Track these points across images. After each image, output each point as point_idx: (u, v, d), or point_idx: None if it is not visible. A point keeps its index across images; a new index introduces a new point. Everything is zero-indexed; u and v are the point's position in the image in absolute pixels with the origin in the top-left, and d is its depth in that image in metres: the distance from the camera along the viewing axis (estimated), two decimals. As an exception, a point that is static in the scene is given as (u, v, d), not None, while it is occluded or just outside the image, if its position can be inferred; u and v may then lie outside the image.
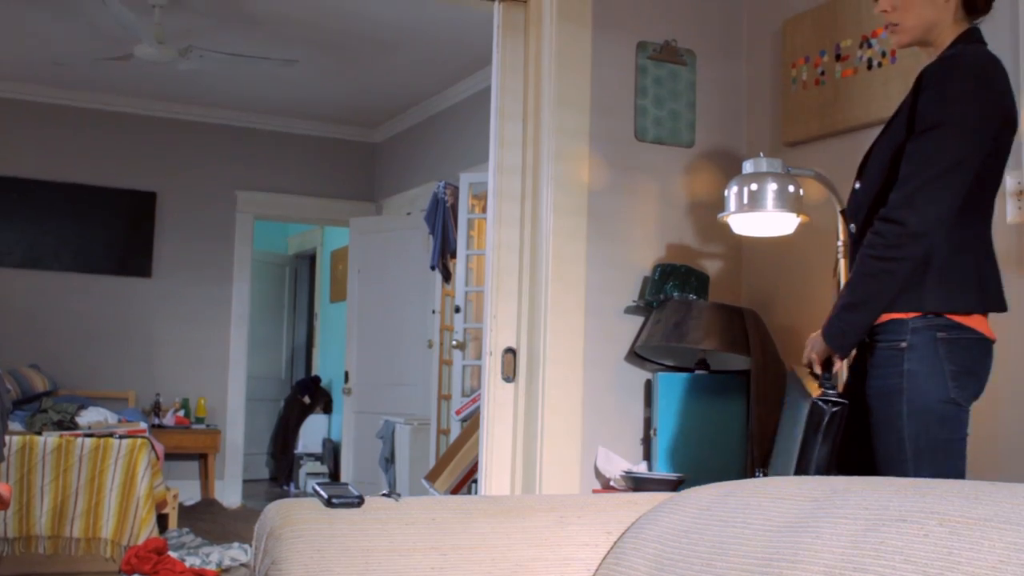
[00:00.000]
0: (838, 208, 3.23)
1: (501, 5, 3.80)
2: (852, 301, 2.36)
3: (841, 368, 2.53)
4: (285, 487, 10.07)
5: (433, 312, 7.53)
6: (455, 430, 6.46)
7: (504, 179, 3.73)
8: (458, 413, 6.36)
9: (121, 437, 5.87)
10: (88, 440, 5.72)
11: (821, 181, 3.29)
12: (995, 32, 2.66)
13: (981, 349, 2.32)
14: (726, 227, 3.43)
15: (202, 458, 8.39)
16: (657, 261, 3.89)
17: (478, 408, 4.44)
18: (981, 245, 2.38)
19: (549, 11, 3.71)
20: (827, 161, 3.62)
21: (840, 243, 3.22)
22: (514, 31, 3.80)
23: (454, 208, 6.92)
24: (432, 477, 5.27)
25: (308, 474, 9.79)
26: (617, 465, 3.70)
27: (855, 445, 2.43)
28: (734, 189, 3.24)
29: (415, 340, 7.87)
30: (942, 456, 2.28)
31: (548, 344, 3.56)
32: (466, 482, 5.16)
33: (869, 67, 3.47)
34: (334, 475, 9.67)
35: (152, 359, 8.36)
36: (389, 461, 7.44)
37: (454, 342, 6.80)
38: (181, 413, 8.27)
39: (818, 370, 2.47)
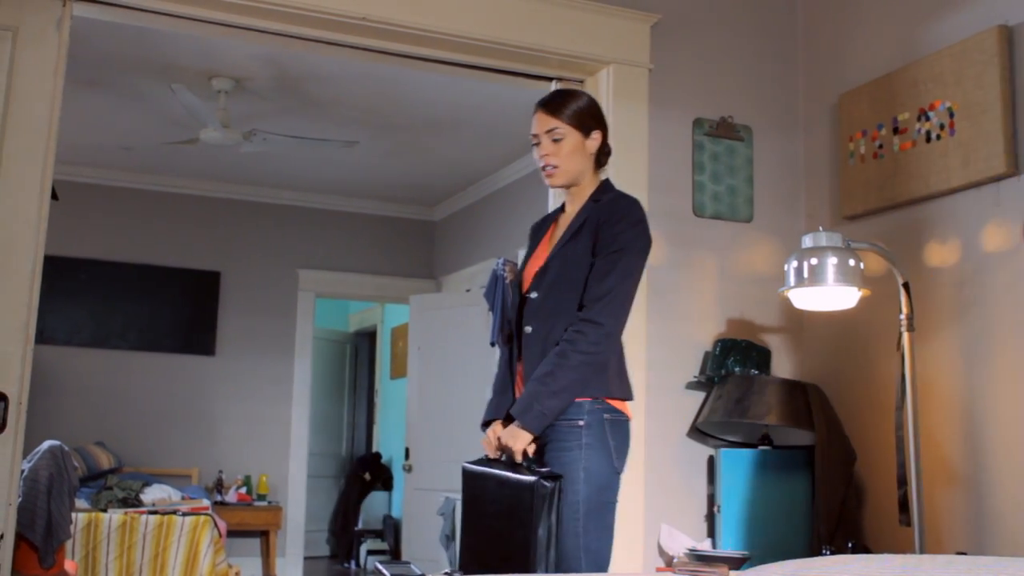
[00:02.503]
0: (900, 281, 3.21)
1: (558, 85, 3.86)
2: (555, 389, 2.75)
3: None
4: (346, 565, 10.04)
5: (493, 388, 7.51)
6: (516, 507, 6.40)
7: (563, 256, 3.74)
8: (518, 490, 6.31)
9: (184, 514, 5.91)
10: (152, 517, 5.77)
11: (881, 254, 3.28)
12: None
13: (628, 429, 2.83)
14: (787, 301, 3.42)
15: (264, 535, 8.40)
16: (718, 336, 3.88)
17: (539, 485, 4.41)
18: (621, 347, 2.90)
19: (606, 89, 3.76)
20: (887, 234, 3.61)
21: (903, 316, 3.19)
22: (571, 110, 3.84)
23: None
24: (493, 555, 5.23)
25: (369, 551, 9.75)
26: (681, 542, 3.66)
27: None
28: (794, 264, 3.24)
29: (475, 416, 7.83)
30: (607, 515, 2.73)
31: (609, 420, 3.54)
32: (527, 560, 5.11)
33: (928, 140, 3.47)
34: (395, 552, 9.62)
35: (215, 436, 8.43)
36: (450, 538, 7.40)
37: (514, 418, 6.78)
38: (243, 490, 8.31)
39: (519, 458, 2.76)
